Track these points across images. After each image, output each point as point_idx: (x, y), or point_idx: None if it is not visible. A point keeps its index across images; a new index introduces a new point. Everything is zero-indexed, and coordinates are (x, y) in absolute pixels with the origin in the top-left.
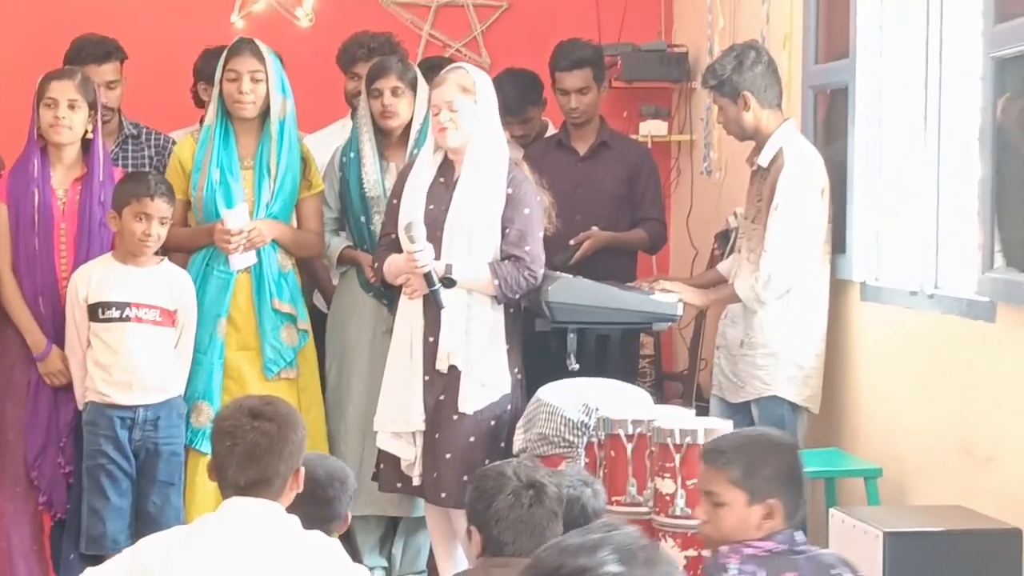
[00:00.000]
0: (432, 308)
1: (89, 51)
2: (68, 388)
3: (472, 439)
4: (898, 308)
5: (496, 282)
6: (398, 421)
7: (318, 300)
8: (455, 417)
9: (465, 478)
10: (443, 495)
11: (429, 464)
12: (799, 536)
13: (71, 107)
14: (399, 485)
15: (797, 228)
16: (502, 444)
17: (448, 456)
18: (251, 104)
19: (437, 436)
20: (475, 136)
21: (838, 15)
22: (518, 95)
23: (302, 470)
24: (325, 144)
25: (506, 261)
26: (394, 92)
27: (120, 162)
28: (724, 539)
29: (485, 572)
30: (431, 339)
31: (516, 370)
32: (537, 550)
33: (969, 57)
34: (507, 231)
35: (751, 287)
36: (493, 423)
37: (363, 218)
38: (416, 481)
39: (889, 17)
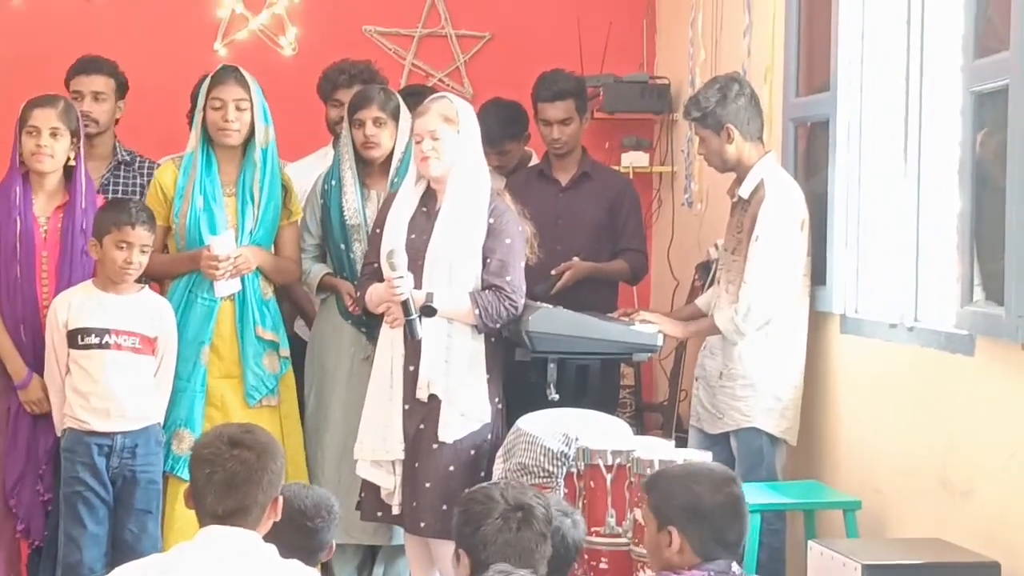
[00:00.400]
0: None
1: (81, 63)
2: (48, 416)
3: (452, 468)
4: (878, 341)
5: (477, 311)
6: (378, 450)
7: (299, 328)
8: (435, 446)
9: (444, 507)
10: (422, 524)
11: (408, 493)
12: (735, 568)
13: (53, 135)
14: (380, 514)
15: (777, 260)
16: (482, 473)
17: (428, 485)
18: (236, 132)
19: (417, 465)
20: (457, 166)
21: (819, 48)
22: (499, 127)
23: (280, 499)
24: (306, 173)
25: (487, 291)
26: (376, 122)
27: (112, 187)
28: (655, 564)
29: None
30: (411, 368)
31: (497, 400)
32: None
33: (949, 91)
34: (488, 261)
35: (731, 319)
36: (473, 452)
37: (343, 246)
38: (396, 510)
39: (870, 51)
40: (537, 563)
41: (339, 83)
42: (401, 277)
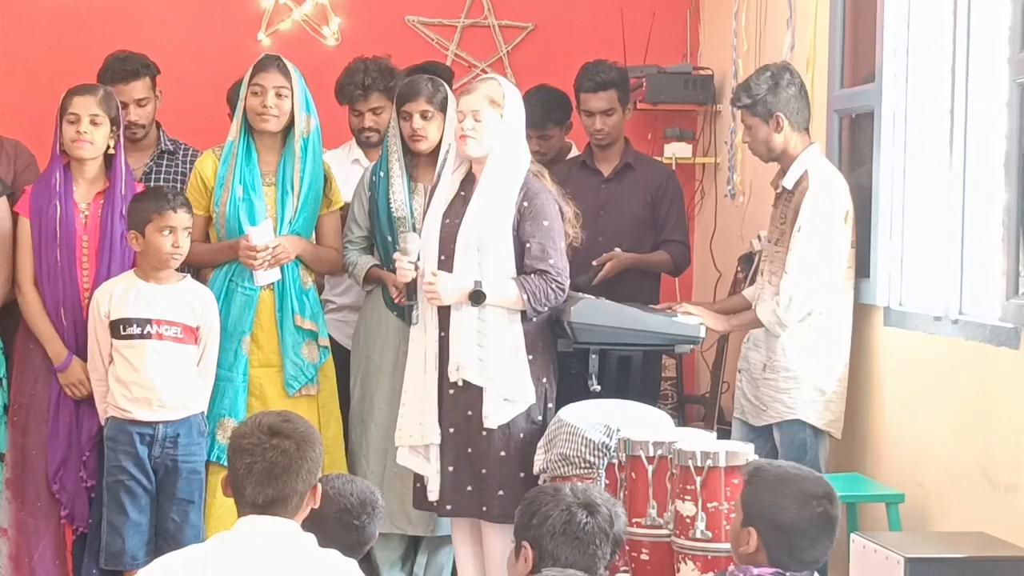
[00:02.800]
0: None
1: (115, 70)
2: (90, 402)
3: (503, 454)
4: (922, 334)
5: (524, 296)
6: (414, 435)
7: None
8: (484, 433)
9: (501, 493)
10: (484, 508)
11: (462, 479)
12: None
13: (93, 123)
14: (435, 503)
15: (820, 251)
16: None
17: (484, 471)
18: (274, 118)
19: (470, 451)
20: (496, 150)
21: (864, 39)
22: (544, 111)
23: (319, 487)
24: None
25: (533, 275)
26: (423, 115)
27: (154, 176)
28: (733, 552)
29: None
30: (446, 352)
31: (544, 379)
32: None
33: (995, 83)
34: (528, 246)
35: (772, 311)
36: (523, 436)
37: (389, 237)
38: (432, 496)
39: (915, 42)
40: (598, 562)
41: (355, 97)
42: (412, 263)
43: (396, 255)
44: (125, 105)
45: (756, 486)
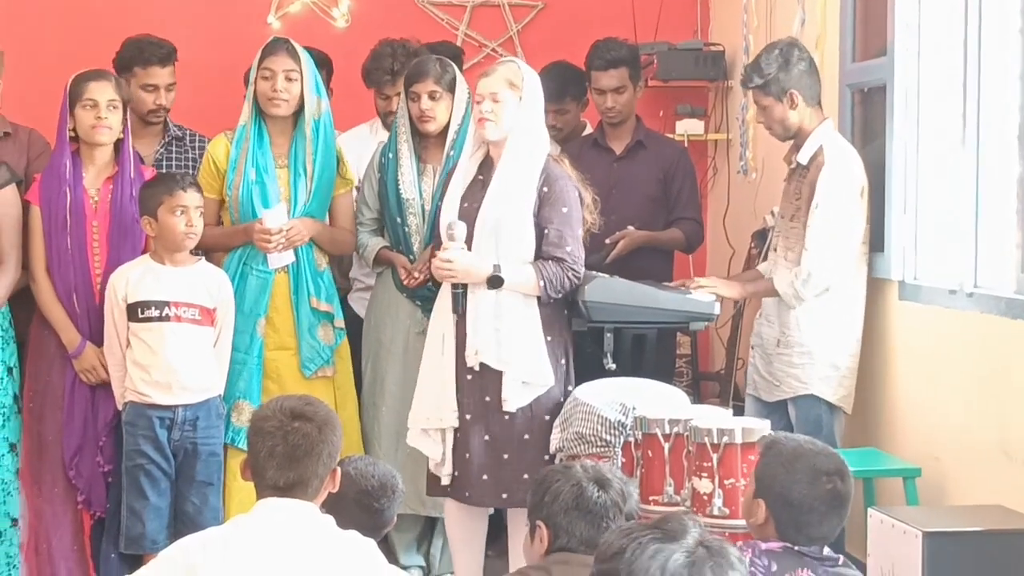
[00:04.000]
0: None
1: (154, 52)
2: (106, 387)
3: (527, 436)
4: (937, 307)
5: (541, 283)
6: (431, 418)
7: (353, 300)
8: (506, 417)
9: (525, 476)
10: (504, 496)
11: (480, 466)
12: (827, 551)
13: (111, 107)
14: (449, 489)
15: (838, 227)
16: None
17: (506, 456)
18: (284, 102)
19: (487, 438)
20: (515, 133)
21: (875, 13)
22: (560, 85)
23: (338, 471)
24: (351, 145)
25: (550, 261)
26: (431, 96)
27: (165, 163)
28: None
29: (545, 569)
30: (463, 336)
31: (562, 360)
32: (606, 535)
33: (1008, 55)
34: (546, 231)
35: (790, 283)
36: (547, 417)
37: (399, 219)
38: (445, 480)
39: (928, 15)
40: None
41: (382, 82)
42: (461, 248)
43: (444, 244)
44: (156, 88)
45: (769, 459)
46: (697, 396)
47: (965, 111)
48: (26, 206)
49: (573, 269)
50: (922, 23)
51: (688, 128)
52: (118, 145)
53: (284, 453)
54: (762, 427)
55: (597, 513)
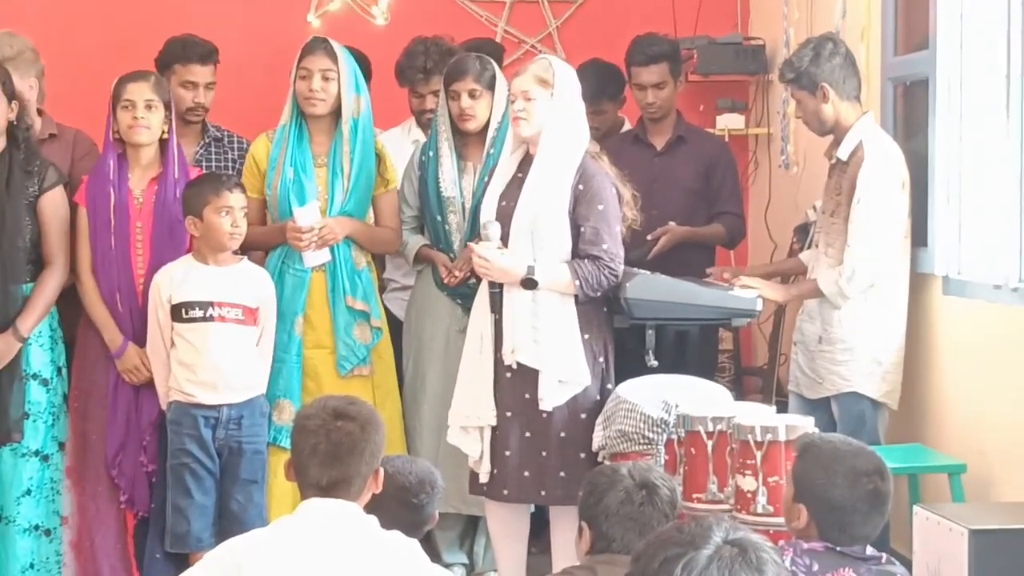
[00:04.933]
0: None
1: (195, 50)
2: (150, 387)
3: (563, 434)
4: (981, 302)
5: (577, 282)
6: (470, 416)
7: (389, 299)
8: (544, 415)
9: (563, 474)
10: (543, 493)
11: (519, 464)
12: (870, 550)
13: (148, 107)
14: (486, 488)
15: (880, 222)
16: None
17: (544, 454)
18: (321, 102)
19: (528, 435)
20: (548, 129)
21: (917, 6)
22: (596, 85)
23: (381, 471)
24: (387, 145)
25: (586, 260)
26: (471, 94)
27: (204, 164)
28: (787, 524)
29: (590, 569)
30: (502, 335)
31: (600, 358)
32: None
33: None
34: (582, 229)
35: (835, 281)
36: (584, 416)
37: (439, 217)
38: (483, 478)
39: (969, 7)
40: None
41: (416, 80)
42: (498, 248)
43: (479, 243)
44: (195, 85)
45: (807, 462)
46: (739, 391)
47: (1008, 104)
48: (74, 208)
49: (610, 267)
50: (964, 15)
51: (729, 122)
52: (164, 146)
53: (326, 451)
54: (806, 424)
55: (640, 521)
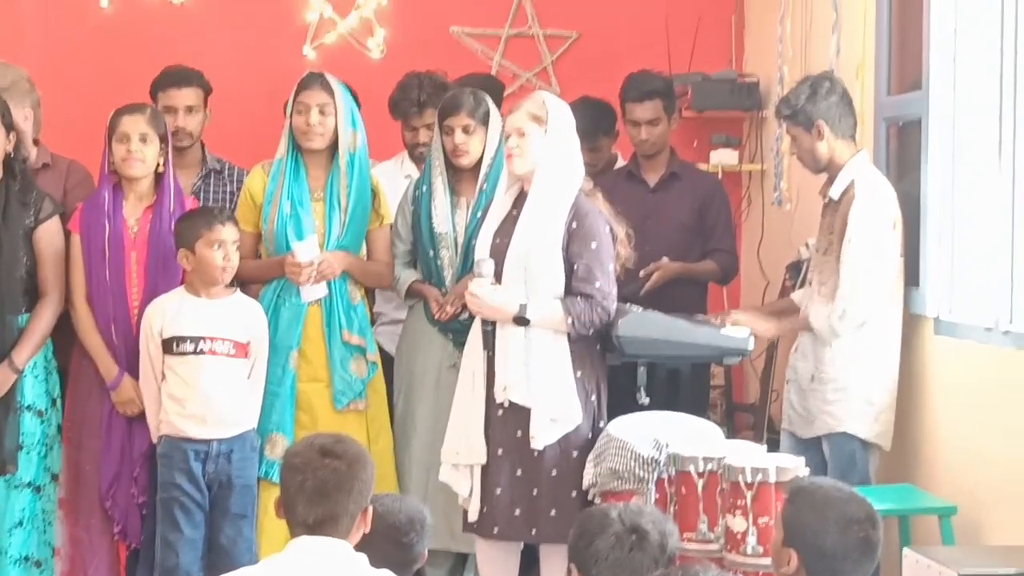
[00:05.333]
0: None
1: (170, 76)
2: (142, 418)
3: (554, 472)
4: (973, 343)
5: (569, 320)
6: (461, 453)
7: (379, 333)
8: (535, 453)
9: (553, 512)
10: (534, 531)
11: (510, 501)
12: None
13: (143, 140)
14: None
15: (871, 261)
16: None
17: (535, 492)
18: (319, 136)
19: (519, 473)
20: (542, 166)
21: (911, 46)
22: (591, 123)
23: (370, 509)
24: (380, 178)
25: (578, 298)
26: (465, 130)
27: (202, 195)
28: (775, 568)
29: None
30: (494, 372)
31: (593, 396)
32: None
33: None
34: (576, 267)
35: (826, 317)
36: (576, 454)
37: (431, 252)
38: (472, 516)
39: (963, 48)
40: None
41: (410, 113)
42: (491, 285)
43: (473, 279)
44: (174, 110)
45: (798, 507)
46: (731, 427)
47: (1001, 145)
48: (67, 234)
49: (602, 305)
50: (957, 56)
51: (722, 158)
52: (160, 178)
53: (313, 488)
54: (796, 465)
55: (632, 568)
